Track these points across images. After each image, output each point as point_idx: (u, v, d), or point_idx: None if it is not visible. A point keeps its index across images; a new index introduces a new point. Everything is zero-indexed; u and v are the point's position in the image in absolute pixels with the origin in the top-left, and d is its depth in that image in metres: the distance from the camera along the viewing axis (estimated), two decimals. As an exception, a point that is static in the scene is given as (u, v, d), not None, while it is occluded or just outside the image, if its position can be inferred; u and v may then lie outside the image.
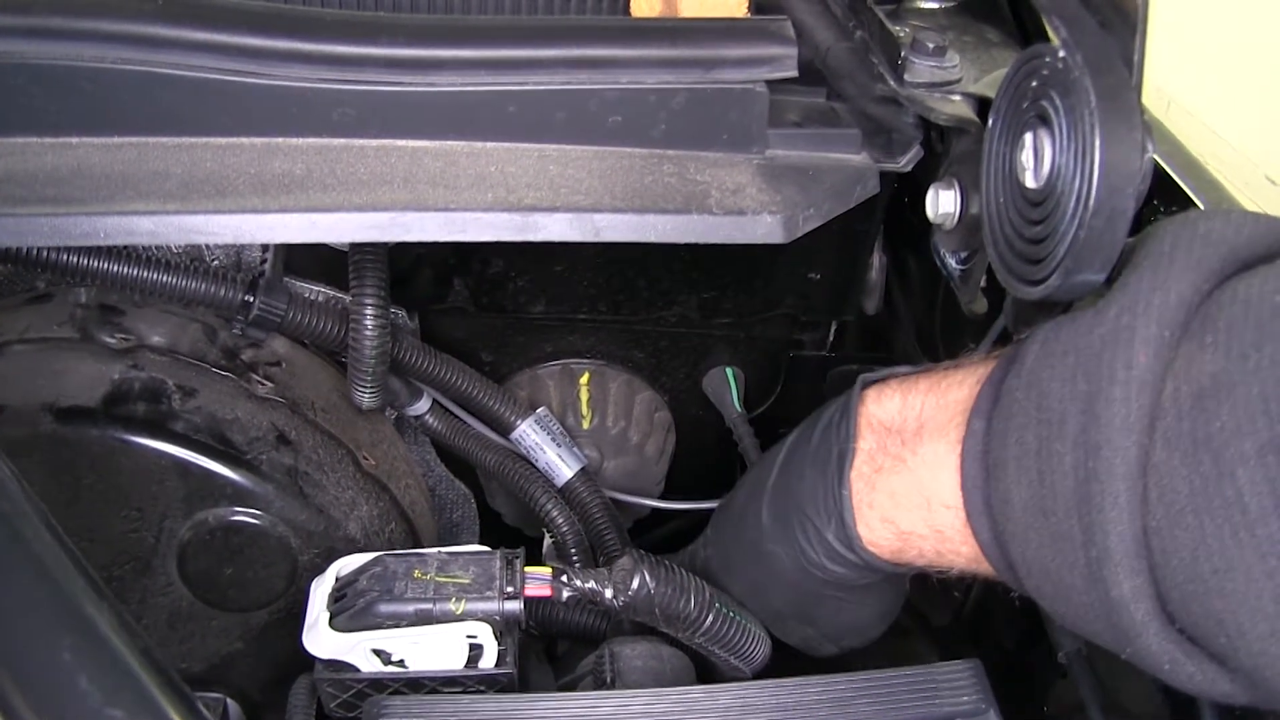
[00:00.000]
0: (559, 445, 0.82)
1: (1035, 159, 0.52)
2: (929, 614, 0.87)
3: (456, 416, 0.83)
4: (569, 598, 0.64)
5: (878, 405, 0.57)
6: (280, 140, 0.60)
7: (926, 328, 0.85)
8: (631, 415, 0.90)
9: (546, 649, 0.78)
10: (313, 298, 0.77)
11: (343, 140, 0.60)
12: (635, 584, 0.63)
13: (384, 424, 0.82)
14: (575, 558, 0.80)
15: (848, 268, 0.86)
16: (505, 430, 0.82)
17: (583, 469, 0.82)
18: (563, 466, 0.81)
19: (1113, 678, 0.67)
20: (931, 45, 0.68)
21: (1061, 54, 0.51)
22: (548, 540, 0.86)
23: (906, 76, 0.67)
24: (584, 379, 0.90)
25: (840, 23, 0.78)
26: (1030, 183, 0.52)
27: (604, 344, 0.90)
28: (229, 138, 0.59)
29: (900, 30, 0.71)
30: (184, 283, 0.69)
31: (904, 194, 0.83)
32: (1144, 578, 0.42)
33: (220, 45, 0.58)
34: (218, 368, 0.72)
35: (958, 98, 0.67)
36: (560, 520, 0.79)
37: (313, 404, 0.75)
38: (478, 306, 0.84)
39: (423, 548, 0.80)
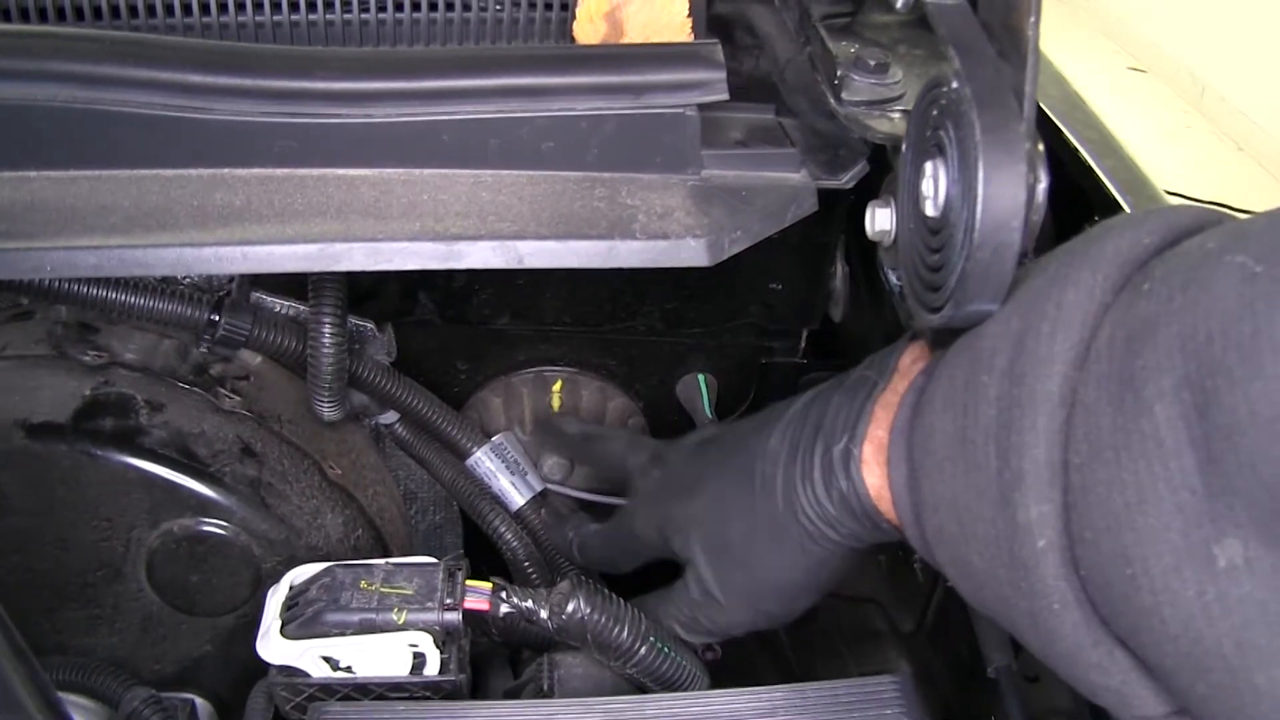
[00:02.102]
0: (512, 474, 0.84)
1: (934, 188, 0.53)
2: (897, 619, 0.88)
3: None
4: (506, 614, 0.66)
5: (909, 352, 0.59)
6: (225, 171, 0.62)
7: (896, 335, 0.85)
8: (604, 422, 0.92)
9: (512, 656, 0.81)
10: (283, 312, 0.80)
11: (284, 170, 0.62)
12: (570, 608, 0.65)
13: (354, 433, 0.84)
14: (530, 570, 0.82)
15: (810, 278, 0.87)
16: (461, 456, 0.84)
17: (535, 496, 0.84)
18: (514, 494, 0.84)
19: (1040, 697, 0.67)
20: (873, 62, 0.68)
21: (955, 85, 0.51)
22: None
23: (844, 94, 0.67)
24: (557, 387, 0.92)
25: (797, 36, 0.78)
26: (930, 211, 0.53)
27: (577, 352, 0.92)
28: (176, 170, 0.62)
29: (849, 46, 0.72)
30: (152, 303, 0.73)
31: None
32: (1053, 506, 0.43)
33: (166, 83, 0.60)
34: (186, 383, 0.75)
35: (897, 115, 0.67)
36: (510, 536, 0.82)
37: (279, 417, 0.77)
38: (444, 319, 0.87)
39: (391, 553, 0.83)
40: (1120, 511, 0.40)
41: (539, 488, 0.87)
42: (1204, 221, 0.45)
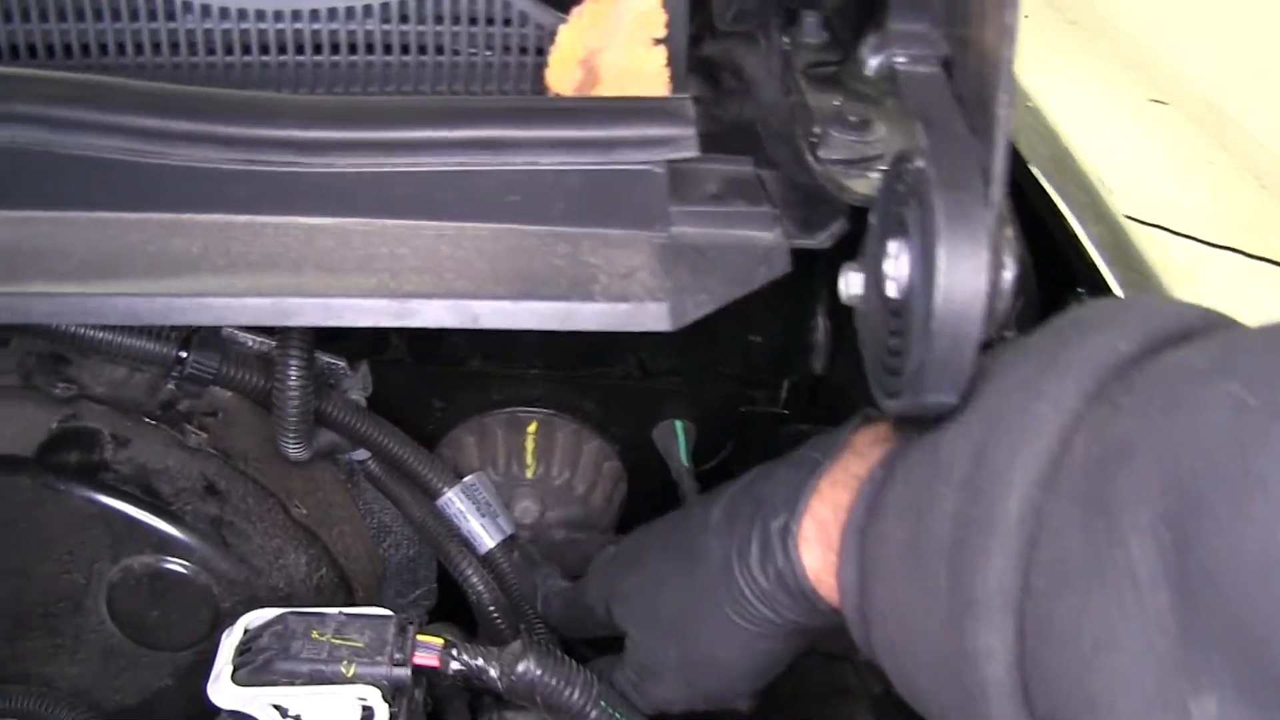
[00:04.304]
0: (483, 515, 0.83)
1: (897, 269, 0.51)
2: (869, 681, 0.87)
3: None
4: (456, 671, 0.66)
5: (866, 432, 0.57)
6: (184, 217, 0.61)
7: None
8: (578, 465, 0.91)
9: (472, 701, 0.80)
10: (255, 347, 0.79)
11: (243, 218, 0.61)
12: (521, 668, 0.64)
13: (323, 472, 0.84)
14: (495, 616, 0.81)
15: (790, 331, 0.85)
16: (432, 496, 0.84)
17: (505, 540, 0.83)
18: (484, 537, 0.83)
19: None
20: (854, 118, 0.67)
21: (920, 163, 0.50)
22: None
23: (821, 151, 0.66)
24: (531, 428, 0.91)
25: (783, 83, 0.77)
26: (892, 293, 0.52)
27: (553, 394, 0.91)
28: (134, 214, 0.61)
29: (832, 98, 0.70)
30: (119, 339, 0.72)
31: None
32: (1007, 637, 0.40)
33: (124, 127, 0.60)
34: (154, 418, 0.75)
35: (875, 175, 0.66)
36: (476, 581, 0.81)
37: (245, 454, 0.77)
38: (416, 359, 0.86)
39: (355, 593, 0.82)
40: (1087, 649, 0.37)
41: (510, 530, 0.86)
42: (1189, 328, 0.43)
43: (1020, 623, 0.40)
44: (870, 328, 0.55)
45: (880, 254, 0.53)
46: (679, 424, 0.91)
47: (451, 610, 0.90)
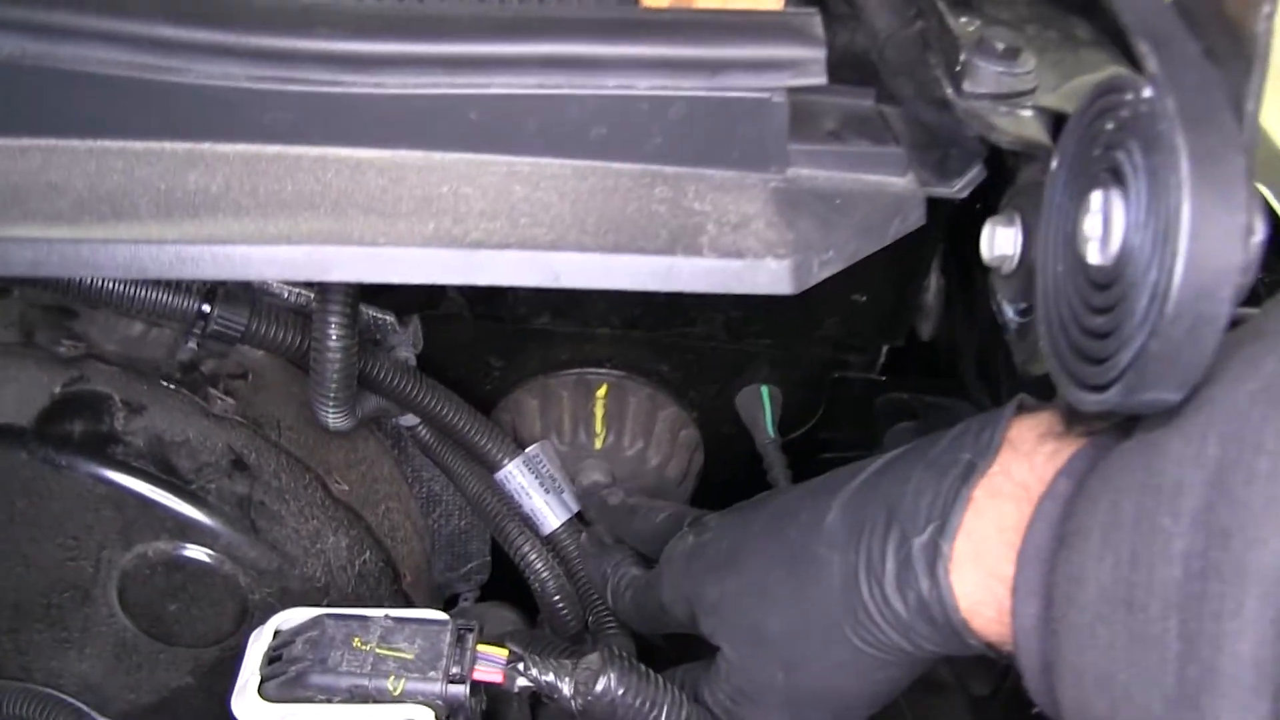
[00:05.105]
0: (547, 491, 0.74)
1: (1104, 227, 0.40)
2: (969, 681, 0.77)
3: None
4: (523, 688, 0.56)
5: (1026, 425, 0.47)
6: (204, 147, 0.51)
7: (991, 359, 0.73)
8: (652, 434, 0.81)
9: (532, 698, 0.71)
10: (290, 299, 0.69)
11: (275, 148, 0.51)
12: (599, 687, 0.55)
13: (367, 440, 0.75)
14: (560, 605, 0.72)
15: (898, 290, 0.74)
16: (491, 469, 0.74)
17: (570, 519, 0.73)
18: (549, 515, 0.73)
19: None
20: (1001, 46, 0.55)
21: (1148, 93, 0.38)
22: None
23: (966, 84, 0.54)
24: (601, 392, 0.81)
25: (905, 7, 0.65)
26: (1094, 258, 0.41)
27: (625, 354, 0.80)
28: (145, 142, 0.51)
29: (970, 23, 0.58)
30: (133, 290, 0.62)
31: (978, 205, 0.71)
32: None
33: (134, 36, 0.50)
34: (173, 382, 0.65)
35: (1028, 113, 0.54)
36: (540, 566, 0.72)
37: (279, 422, 0.68)
38: (475, 315, 0.76)
39: (402, 577, 0.73)
40: None
41: (576, 508, 0.76)
42: None
43: (1276, 702, 0.32)
44: (1055, 302, 0.44)
45: (1076, 209, 0.42)
46: (765, 390, 0.81)
47: (507, 584, 0.81)
